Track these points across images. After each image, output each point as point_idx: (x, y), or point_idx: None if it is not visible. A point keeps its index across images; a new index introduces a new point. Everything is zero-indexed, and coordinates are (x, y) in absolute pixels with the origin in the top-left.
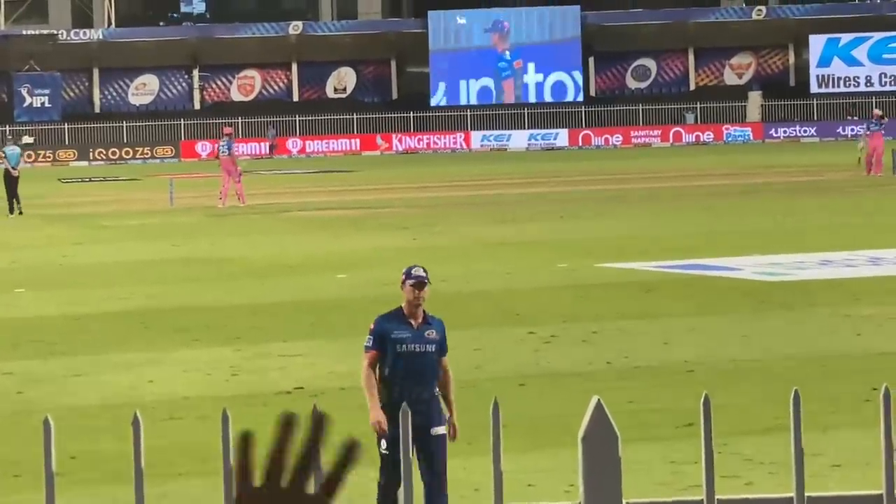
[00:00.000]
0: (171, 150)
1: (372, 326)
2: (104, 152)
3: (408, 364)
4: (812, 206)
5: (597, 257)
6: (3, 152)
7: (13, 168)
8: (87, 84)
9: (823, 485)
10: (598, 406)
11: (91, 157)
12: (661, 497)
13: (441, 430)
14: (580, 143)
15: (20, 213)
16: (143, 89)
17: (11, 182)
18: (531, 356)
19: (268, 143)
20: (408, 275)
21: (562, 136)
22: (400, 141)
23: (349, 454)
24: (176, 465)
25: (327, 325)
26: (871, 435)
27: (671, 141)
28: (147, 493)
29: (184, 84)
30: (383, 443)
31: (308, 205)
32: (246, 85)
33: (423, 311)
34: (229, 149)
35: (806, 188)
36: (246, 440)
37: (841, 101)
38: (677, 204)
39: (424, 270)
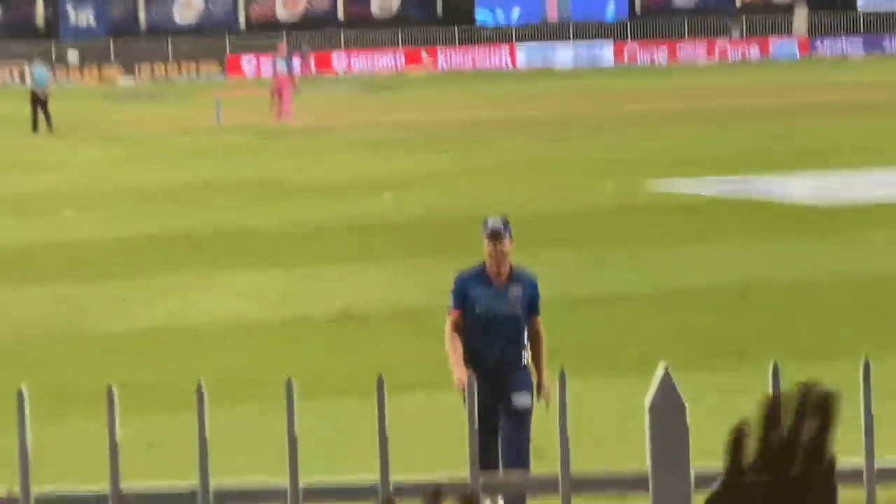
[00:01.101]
0: (218, 67)
1: (453, 285)
2: (150, 69)
3: (488, 326)
4: (861, 126)
5: (645, 178)
6: (32, 71)
7: (39, 88)
8: (132, 1)
9: (880, 419)
10: (666, 375)
11: (137, 74)
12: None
13: (526, 400)
14: (626, 60)
15: (50, 130)
16: (189, 6)
17: (37, 102)
18: (579, 279)
19: (298, 58)
20: (484, 226)
21: (607, 52)
22: (445, 57)
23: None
24: (226, 391)
25: (375, 247)
26: None
27: (717, 57)
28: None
29: (229, 0)
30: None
31: (354, 125)
32: (291, 1)
33: (511, 267)
34: (288, 66)
35: (854, 107)
36: None
37: (889, 10)
38: (726, 123)
39: (504, 221)
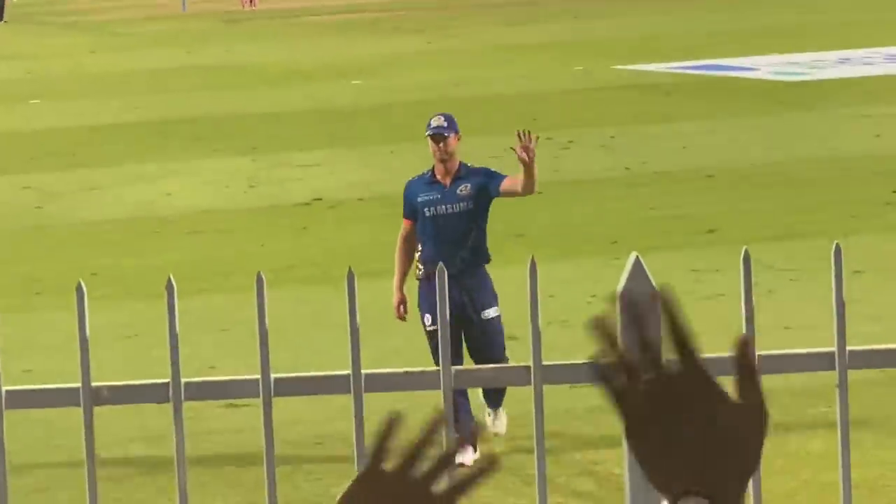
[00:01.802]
0: None
1: (403, 194)
2: None
3: (440, 228)
4: (831, 2)
5: (614, 59)
6: None
7: None
8: None
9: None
10: (637, 262)
11: None
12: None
13: (492, 311)
14: None
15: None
16: None
17: None
18: (549, 162)
19: None
20: (427, 126)
21: None
22: None
23: (487, 467)
24: (197, 280)
25: (344, 133)
26: (893, 239)
27: None
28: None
29: None
30: (427, 318)
31: (321, 9)
32: None
33: (460, 166)
34: None
35: None
36: (393, 423)
37: None
38: (695, 2)
39: (447, 118)
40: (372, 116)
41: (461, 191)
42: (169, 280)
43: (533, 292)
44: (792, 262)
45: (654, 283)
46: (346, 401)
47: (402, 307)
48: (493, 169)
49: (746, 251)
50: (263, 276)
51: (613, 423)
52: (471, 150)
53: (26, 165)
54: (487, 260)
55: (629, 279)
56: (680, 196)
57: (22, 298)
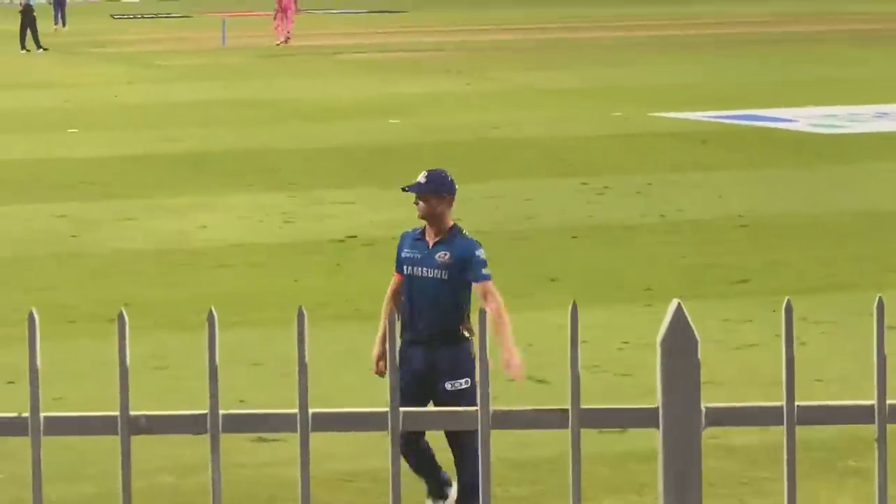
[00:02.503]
0: None
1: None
2: None
3: (414, 290)
4: (872, 57)
5: (651, 106)
6: None
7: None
8: None
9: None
10: (679, 310)
11: None
12: (716, 359)
13: (462, 383)
14: None
15: (38, 47)
16: None
17: (28, 18)
18: (584, 208)
19: None
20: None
21: None
22: None
23: None
24: (228, 313)
25: (380, 171)
26: None
27: None
28: (198, 343)
29: None
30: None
31: (360, 46)
32: None
33: (451, 229)
34: None
35: (869, 37)
36: None
37: None
38: (734, 51)
39: (432, 176)
40: (408, 156)
41: (440, 257)
42: (210, 312)
43: (574, 335)
44: (824, 314)
45: (695, 330)
46: (376, 437)
47: (380, 363)
48: (481, 255)
49: (788, 301)
50: (304, 311)
51: (641, 471)
52: (507, 193)
53: (63, 194)
54: (461, 335)
55: (670, 328)
56: (714, 245)
57: (54, 326)
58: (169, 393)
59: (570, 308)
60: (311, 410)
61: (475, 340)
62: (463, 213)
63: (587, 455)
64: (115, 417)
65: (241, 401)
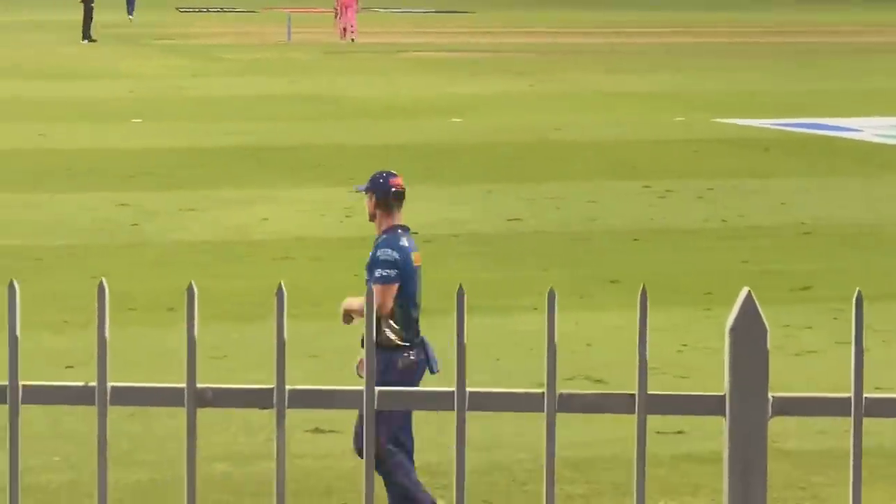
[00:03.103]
0: None
1: None
2: None
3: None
4: None
5: (715, 112)
6: None
7: None
8: None
9: None
10: (748, 298)
11: None
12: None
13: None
14: None
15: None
16: None
17: (88, 9)
18: (645, 211)
19: None
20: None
21: None
22: None
23: None
24: (287, 305)
25: (441, 170)
26: None
27: None
28: (256, 334)
29: None
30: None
31: (425, 45)
32: None
33: (387, 229)
34: None
35: None
36: None
37: None
38: (800, 60)
39: (373, 178)
40: (470, 155)
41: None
42: (280, 288)
43: (643, 319)
44: (885, 323)
45: (764, 319)
46: (434, 433)
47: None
48: (382, 255)
49: (859, 293)
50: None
51: (697, 472)
52: (569, 195)
53: (125, 183)
54: (380, 341)
55: (739, 314)
56: (775, 251)
57: (113, 314)
58: (227, 383)
59: (639, 292)
60: (377, 389)
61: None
62: (525, 214)
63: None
64: (181, 389)
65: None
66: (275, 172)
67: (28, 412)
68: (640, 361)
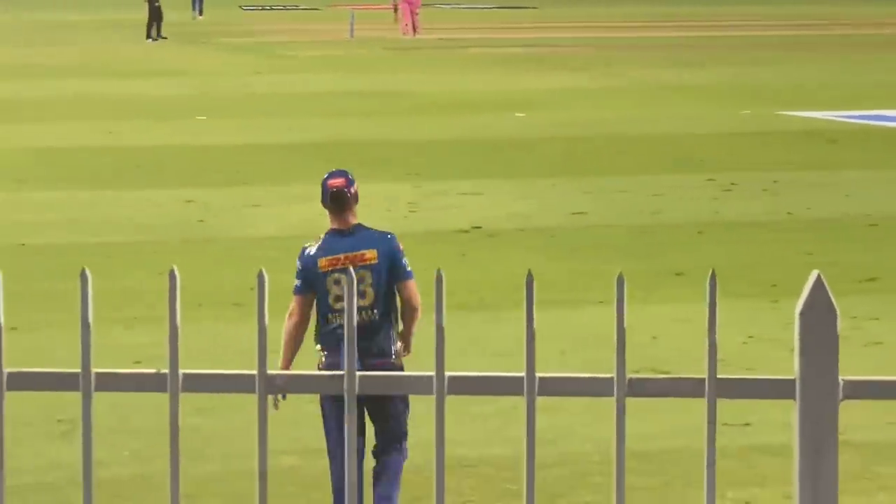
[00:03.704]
0: None
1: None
2: None
3: None
4: None
5: (779, 105)
6: None
7: None
8: None
9: None
10: (818, 281)
11: None
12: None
13: None
14: None
15: (163, 38)
16: None
17: (154, 9)
18: (710, 204)
19: None
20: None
21: None
22: None
23: None
24: None
25: (505, 164)
26: None
27: None
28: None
29: None
30: None
31: (487, 41)
32: None
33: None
34: None
35: None
36: None
37: None
38: (865, 53)
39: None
40: (534, 149)
41: None
42: (349, 272)
43: (712, 305)
44: None
45: (834, 302)
46: (499, 424)
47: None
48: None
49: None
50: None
51: (765, 464)
52: (633, 188)
53: (191, 180)
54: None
55: (809, 297)
56: (841, 243)
57: (180, 309)
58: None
59: (709, 275)
60: (447, 373)
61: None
62: (589, 207)
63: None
64: (252, 376)
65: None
66: (339, 168)
67: (96, 407)
68: (710, 345)
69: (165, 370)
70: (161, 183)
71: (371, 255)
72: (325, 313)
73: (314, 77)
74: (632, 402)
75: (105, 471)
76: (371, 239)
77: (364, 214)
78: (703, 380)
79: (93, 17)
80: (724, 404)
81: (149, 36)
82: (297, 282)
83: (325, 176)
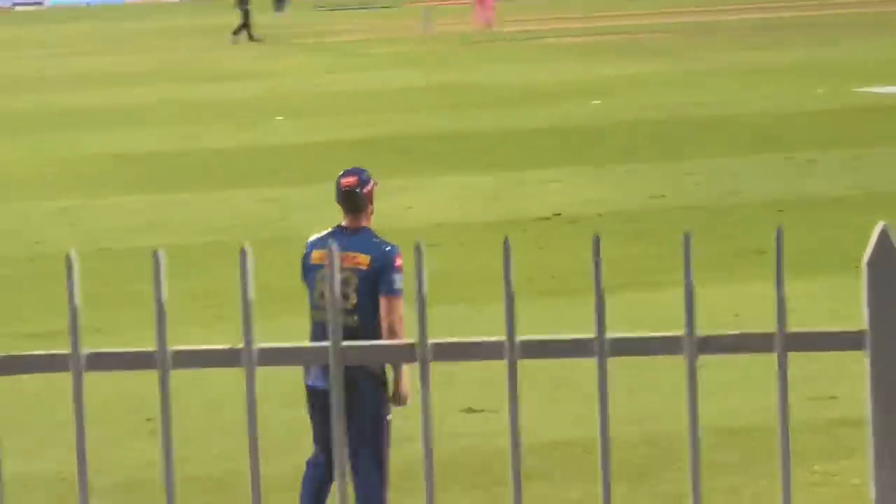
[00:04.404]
0: None
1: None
2: None
3: None
4: None
5: (854, 82)
6: None
7: None
8: None
9: None
10: (883, 232)
11: None
12: None
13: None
14: None
15: (257, 40)
16: None
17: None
18: (790, 182)
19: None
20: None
21: None
22: None
23: None
24: (435, 291)
25: (583, 151)
26: None
27: None
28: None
29: None
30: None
31: (559, 31)
32: None
33: None
34: None
35: None
36: None
37: None
38: None
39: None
40: (611, 136)
41: None
42: (418, 245)
43: (779, 257)
44: None
45: None
46: (582, 409)
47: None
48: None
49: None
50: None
51: (851, 436)
52: (712, 169)
53: (269, 179)
54: None
55: (875, 247)
56: None
57: (262, 306)
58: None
59: (776, 231)
60: (518, 338)
61: None
62: (667, 190)
63: (797, 422)
64: (326, 348)
65: (450, 373)
66: (417, 161)
67: (188, 405)
68: (779, 299)
69: (241, 345)
70: (240, 183)
71: (363, 259)
72: (311, 307)
73: (390, 73)
74: (715, 381)
75: (195, 468)
76: (370, 245)
77: (442, 206)
78: (773, 334)
79: (170, 23)
80: (809, 379)
81: (251, 38)
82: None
83: (341, 173)
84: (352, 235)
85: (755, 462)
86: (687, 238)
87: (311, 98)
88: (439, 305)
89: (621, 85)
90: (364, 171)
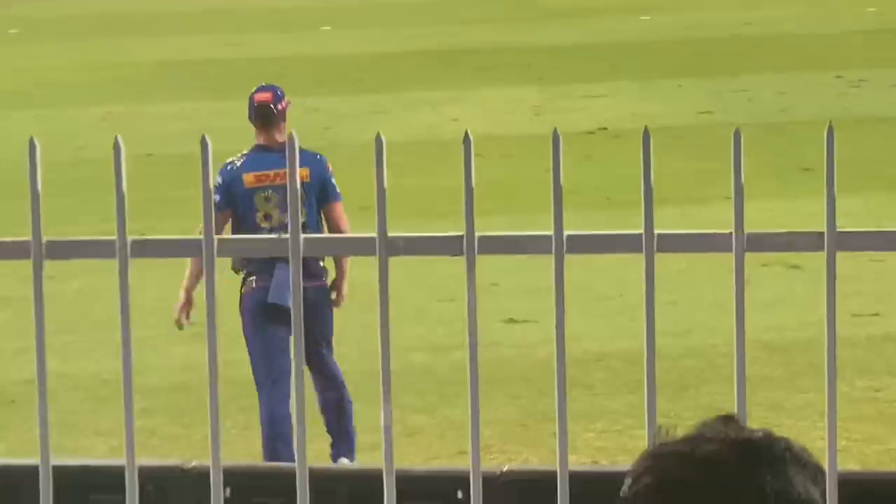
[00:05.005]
0: None
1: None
2: None
3: None
4: None
5: None
6: None
7: None
8: None
9: None
10: None
11: None
12: None
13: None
14: None
15: None
16: None
17: None
18: (838, 100)
19: None
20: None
21: None
22: None
23: None
24: (480, 201)
25: (630, 66)
26: None
27: None
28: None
29: None
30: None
31: None
32: None
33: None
34: None
35: None
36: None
37: None
38: None
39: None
40: (659, 51)
41: None
42: (466, 134)
43: (829, 160)
44: None
45: None
46: (625, 320)
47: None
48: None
49: None
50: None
51: (892, 351)
52: (760, 86)
53: (316, 88)
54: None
55: None
56: None
57: None
58: (415, 282)
59: (825, 132)
60: (566, 232)
61: None
62: (715, 107)
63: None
64: (372, 239)
65: (493, 284)
66: (463, 74)
67: (227, 309)
68: (828, 199)
69: (285, 235)
70: (286, 92)
71: (303, 173)
72: (246, 231)
73: None
74: (761, 299)
75: (236, 370)
76: (303, 158)
77: (488, 118)
78: (822, 233)
79: None
80: (852, 295)
81: None
82: (215, 197)
83: (254, 90)
84: (279, 152)
85: (798, 376)
86: (737, 135)
87: (358, 9)
88: (483, 217)
89: (670, 1)
90: (278, 87)
